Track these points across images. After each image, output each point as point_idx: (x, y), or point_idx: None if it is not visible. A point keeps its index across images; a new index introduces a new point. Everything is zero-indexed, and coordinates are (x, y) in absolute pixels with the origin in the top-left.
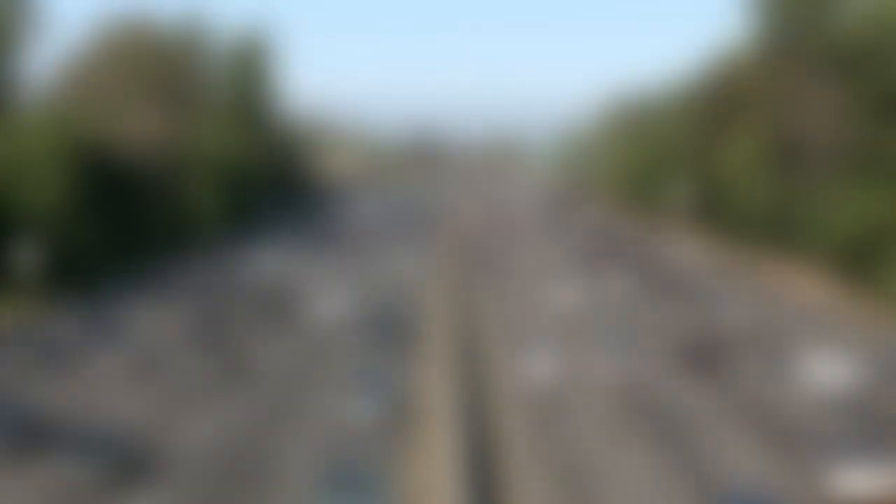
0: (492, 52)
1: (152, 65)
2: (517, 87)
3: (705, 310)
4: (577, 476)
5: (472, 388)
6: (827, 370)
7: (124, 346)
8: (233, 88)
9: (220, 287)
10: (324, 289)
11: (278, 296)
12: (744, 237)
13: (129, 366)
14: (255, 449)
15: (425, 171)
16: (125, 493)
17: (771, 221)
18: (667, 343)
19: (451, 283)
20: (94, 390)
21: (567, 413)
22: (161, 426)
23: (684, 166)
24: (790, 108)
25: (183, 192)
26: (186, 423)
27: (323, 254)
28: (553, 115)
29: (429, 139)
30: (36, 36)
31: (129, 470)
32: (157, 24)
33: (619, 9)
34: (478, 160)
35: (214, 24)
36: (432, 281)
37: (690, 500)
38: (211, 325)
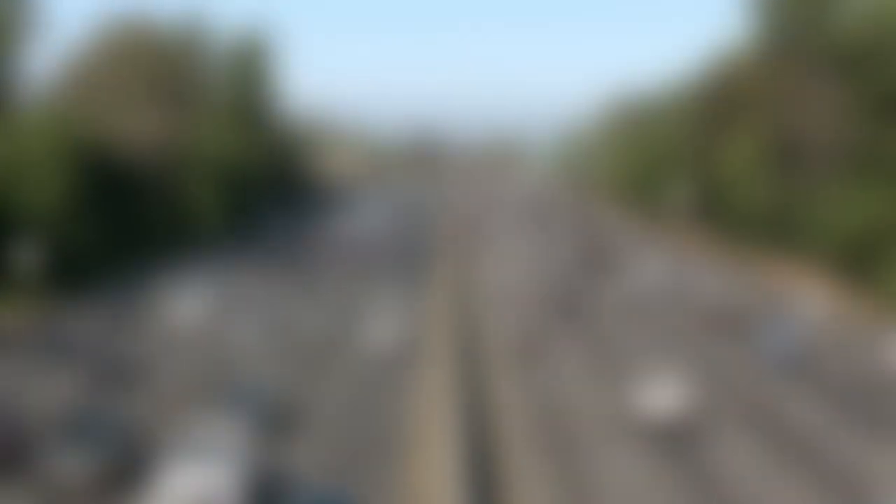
0: (492, 52)
1: (152, 65)
2: (517, 87)
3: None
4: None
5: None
6: (652, 273)
7: None
8: (233, 88)
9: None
10: (236, 385)
11: (161, 396)
12: (744, 237)
13: None
14: None
15: (425, 170)
16: None
17: (771, 221)
18: (579, 263)
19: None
20: None
21: (507, 285)
22: None
23: (684, 166)
24: (790, 108)
25: (183, 192)
26: None
27: (286, 286)
28: (553, 115)
29: (429, 139)
30: (36, 36)
31: None
32: (157, 24)
33: (619, 9)
34: (478, 160)
35: (214, 24)
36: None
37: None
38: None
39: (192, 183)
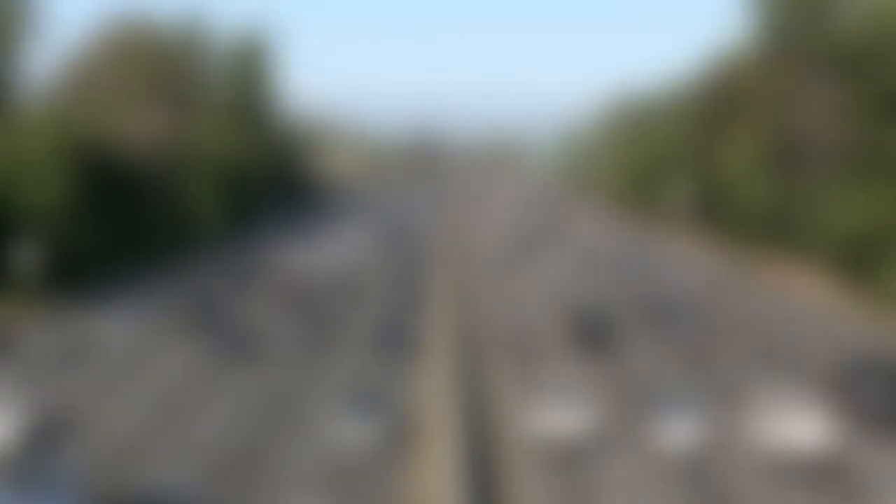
0: (492, 52)
1: (152, 65)
2: (517, 87)
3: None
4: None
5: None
6: (594, 234)
7: None
8: (233, 88)
9: None
10: None
11: None
12: (744, 237)
13: None
14: None
15: (425, 171)
16: None
17: (771, 221)
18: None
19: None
20: None
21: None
22: None
23: (684, 166)
24: (790, 108)
25: (183, 192)
26: None
27: (186, 365)
28: (553, 115)
29: (429, 139)
30: (36, 36)
31: None
32: (157, 24)
33: (619, 9)
34: (478, 160)
35: (214, 24)
36: None
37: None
38: None
39: (192, 183)
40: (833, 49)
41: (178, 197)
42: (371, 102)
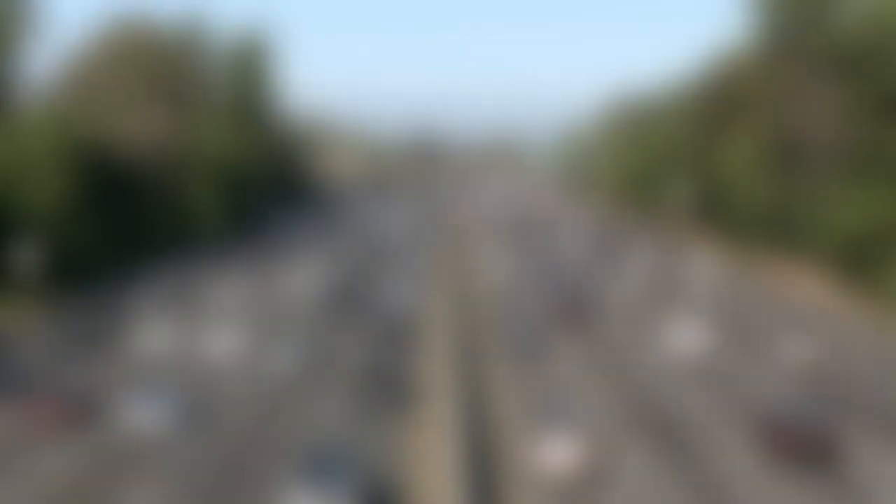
0: (492, 52)
1: (152, 65)
2: (517, 87)
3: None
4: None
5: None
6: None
7: None
8: (233, 88)
9: None
10: None
11: None
12: (744, 237)
13: None
14: None
15: (425, 171)
16: None
17: (771, 221)
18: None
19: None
20: None
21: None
22: None
23: (684, 166)
24: (790, 108)
25: (183, 192)
26: None
27: None
28: (553, 115)
29: (429, 139)
30: (36, 36)
31: None
32: (157, 24)
33: (619, 9)
34: (478, 160)
35: (214, 24)
36: None
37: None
38: None
39: (192, 183)
40: (833, 49)
41: (178, 197)
42: (371, 102)
